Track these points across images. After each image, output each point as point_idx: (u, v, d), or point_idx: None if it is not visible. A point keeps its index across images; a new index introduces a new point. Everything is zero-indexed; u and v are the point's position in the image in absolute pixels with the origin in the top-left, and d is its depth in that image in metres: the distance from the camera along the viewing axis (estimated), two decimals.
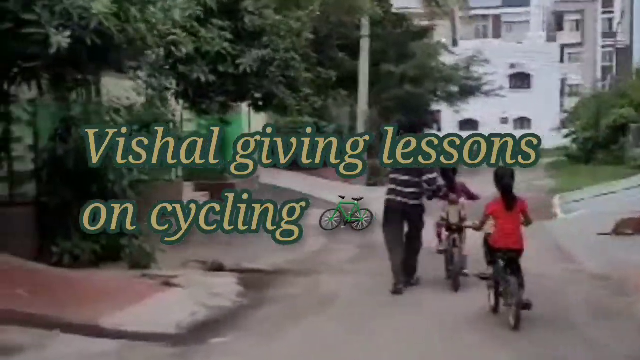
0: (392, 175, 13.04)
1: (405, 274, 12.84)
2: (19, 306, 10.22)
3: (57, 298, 10.99)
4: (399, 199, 12.84)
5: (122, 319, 10.34)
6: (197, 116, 17.94)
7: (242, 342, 9.81)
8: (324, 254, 16.94)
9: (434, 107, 52.92)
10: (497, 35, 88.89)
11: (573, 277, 13.85)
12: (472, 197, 13.58)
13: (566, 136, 52.68)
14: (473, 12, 77.23)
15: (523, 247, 10.54)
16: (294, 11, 16.88)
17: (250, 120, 25.10)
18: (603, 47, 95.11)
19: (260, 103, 17.20)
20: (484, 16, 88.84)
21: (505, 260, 10.44)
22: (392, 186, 12.97)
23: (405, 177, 12.78)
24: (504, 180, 10.55)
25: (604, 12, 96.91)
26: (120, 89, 15.06)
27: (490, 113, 71.62)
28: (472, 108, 54.74)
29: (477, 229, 11.24)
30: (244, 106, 19.60)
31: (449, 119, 64.76)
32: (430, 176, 12.74)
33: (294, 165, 30.94)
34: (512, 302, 10.11)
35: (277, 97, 16.29)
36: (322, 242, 18.35)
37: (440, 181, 13.06)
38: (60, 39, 10.13)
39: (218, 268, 14.48)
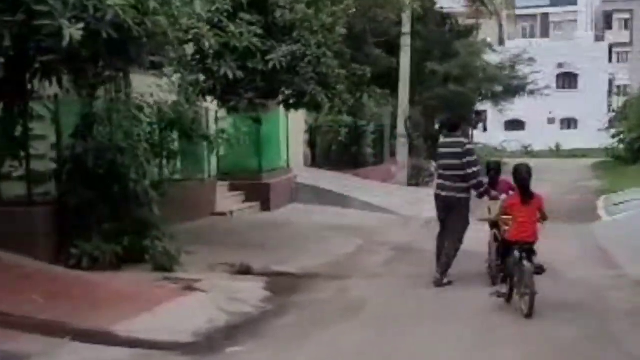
0: (438, 170, 13.67)
1: (439, 270, 12.98)
2: (33, 312, 9.84)
3: (72, 303, 10.56)
4: (443, 193, 13.05)
5: (137, 326, 9.87)
6: (228, 114, 17.43)
7: (259, 351, 9.30)
8: (357, 257, 16.30)
9: (479, 107, 52.33)
10: (544, 34, 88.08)
11: (614, 283, 13.19)
12: None
13: (613, 136, 51.76)
14: (521, 12, 76.63)
15: (537, 239, 10.87)
16: (327, 6, 16.27)
17: (288, 119, 24.60)
18: None
19: (291, 101, 16.65)
20: (532, 15, 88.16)
21: (520, 252, 10.72)
22: (439, 181, 13.37)
23: (448, 162, 12.99)
24: (520, 176, 11.04)
25: None
26: (148, 86, 14.61)
27: (536, 113, 71.04)
28: (518, 108, 54.19)
29: (493, 221, 12.34)
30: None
31: (494, 119, 64.05)
32: (470, 159, 12.78)
33: (334, 164, 30.71)
34: (526, 291, 10.51)
35: (309, 94, 15.71)
36: (357, 244, 17.72)
37: (483, 177, 13.13)
38: (74, 32, 9.70)
39: (246, 271, 13.95)
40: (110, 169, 13.03)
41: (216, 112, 18.63)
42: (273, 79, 15.51)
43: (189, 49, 15.16)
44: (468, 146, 13.00)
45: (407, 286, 13.01)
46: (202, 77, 15.26)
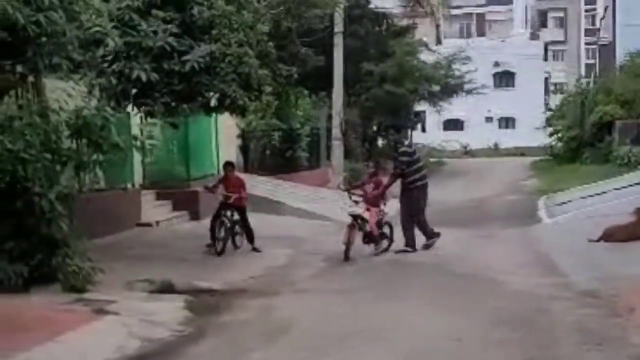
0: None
1: None
2: None
3: None
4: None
5: (36, 358, 8.86)
6: (143, 119, 16.41)
7: None
8: (286, 270, 15.43)
9: (417, 107, 52.09)
10: (481, 33, 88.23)
11: (558, 293, 12.44)
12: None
13: (551, 135, 51.82)
14: (457, 11, 76.78)
15: None
16: (249, 2, 15.38)
17: (218, 123, 23.72)
18: (586, 44, 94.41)
19: (212, 104, 15.72)
20: (468, 14, 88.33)
21: None
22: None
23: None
24: None
25: (586, 10, 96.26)
26: (51, 90, 13.54)
27: (474, 112, 71.30)
28: (456, 108, 54.10)
29: None
30: None
31: (433, 119, 63.90)
32: None
33: (267, 170, 29.89)
34: None
35: (229, 96, 14.78)
36: (287, 255, 16.87)
37: None
38: None
39: (167, 288, 13.06)
40: (12, 183, 11.89)
41: (141, 117, 17.60)
42: (191, 81, 14.61)
43: (101, 50, 14.18)
44: None
45: (337, 303, 12.22)
46: (113, 81, 14.23)
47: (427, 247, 17.16)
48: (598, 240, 16.61)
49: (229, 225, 17.08)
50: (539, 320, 10.66)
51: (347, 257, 15.90)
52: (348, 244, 16.05)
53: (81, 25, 10.76)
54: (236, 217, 17.33)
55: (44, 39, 10.06)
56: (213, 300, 12.50)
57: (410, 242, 17.02)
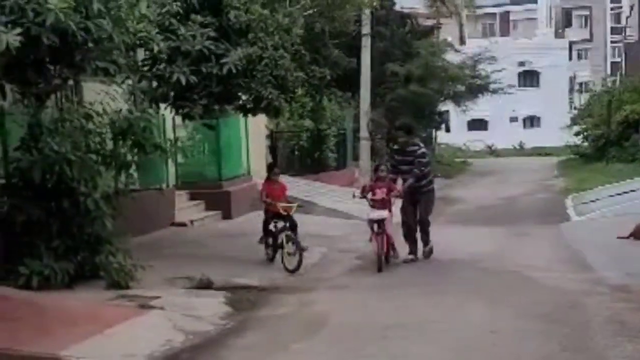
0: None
1: None
2: None
3: (19, 326, 9.90)
4: None
5: (88, 350, 9.27)
6: (182, 121, 16.82)
7: None
8: (321, 267, 15.73)
9: (442, 107, 52.17)
10: (505, 33, 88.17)
11: (591, 288, 12.69)
12: None
13: (577, 134, 51.66)
14: (481, 11, 76.72)
15: None
16: (284, 6, 15.72)
17: (248, 125, 24.06)
18: (612, 42, 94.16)
19: (248, 106, 16.05)
20: (492, 14, 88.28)
21: None
22: None
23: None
24: None
25: (612, 8, 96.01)
26: (97, 93, 13.94)
27: (499, 112, 71.09)
28: (480, 108, 54.02)
29: None
30: None
31: (457, 119, 63.91)
32: None
33: (296, 170, 30.20)
34: None
35: (266, 98, 15.14)
36: (321, 253, 17.14)
37: None
38: (11, 37, 9.04)
39: (206, 285, 13.33)
40: (59, 183, 12.30)
41: (173, 119, 18.00)
42: (228, 84, 14.94)
43: (140, 54, 14.57)
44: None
45: (374, 298, 12.49)
46: (154, 84, 14.65)
47: (413, 260, 15.82)
48: (628, 237, 16.82)
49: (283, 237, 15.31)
50: (573, 314, 10.96)
51: (380, 268, 14.69)
52: (381, 254, 14.92)
53: (127, 31, 11.14)
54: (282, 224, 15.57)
55: (91, 44, 10.41)
56: (251, 296, 12.79)
57: (415, 249, 16.05)
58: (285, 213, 15.41)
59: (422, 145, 16.37)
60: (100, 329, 10.05)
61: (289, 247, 15.04)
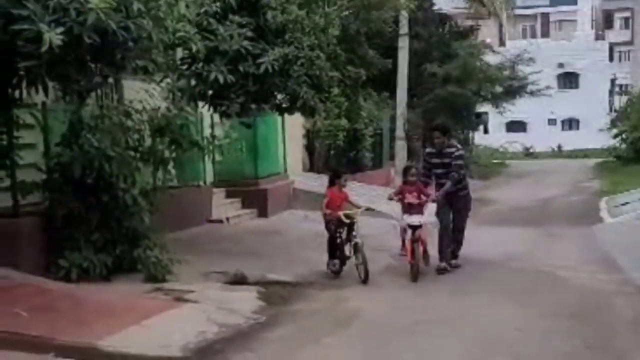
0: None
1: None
2: (15, 327, 9.56)
3: (58, 317, 10.26)
4: None
5: (125, 340, 9.54)
6: (220, 119, 17.11)
7: None
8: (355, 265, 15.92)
9: (480, 108, 52.08)
10: (545, 34, 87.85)
11: (618, 289, 12.85)
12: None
13: (615, 136, 51.42)
14: (521, 12, 76.48)
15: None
16: (320, 7, 15.96)
17: (285, 123, 24.29)
18: None
19: (284, 105, 16.31)
20: (532, 15, 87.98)
21: None
22: None
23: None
24: None
25: None
26: (136, 92, 14.28)
27: (537, 114, 70.95)
28: (519, 109, 53.87)
29: None
30: None
31: (496, 120, 63.82)
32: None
33: (331, 169, 30.32)
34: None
35: (301, 98, 15.38)
36: None
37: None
38: (53, 36, 9.35)
39: (240, 280, 13.55)
40: (99, 178, 12.67)
41: (211, 116, 18.28)
42: (265, 83, 15.20)
43: (179, 53, 14.87)
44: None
45: (405, 296, 12.72)
46: (192, 82, 14.96)
47: (446, 269, 14.77)
48: None
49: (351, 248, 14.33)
50: (599, 313, 11.16)
51: (416, 278, 13.78)
52: (417, 263, 13.99)
53: (166, 30, 11.42)
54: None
55: (131, 43, 10.69)
56: (284, 292, 12.98)
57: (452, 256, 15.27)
58: (347, 221, 14.16)
59: (459, 146, 15.71)
60: (136, 321, 10.33)
61: (358, 259, 13.99)
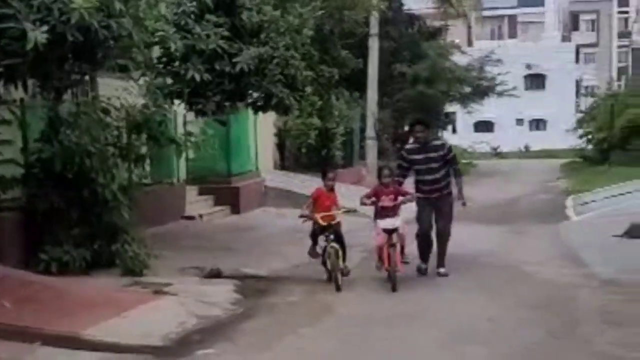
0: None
1: None
2: (1, 317, 9.79)
3: (42, 308, 10.48)
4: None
5: (107, 330, 9.81)
6: (195, 117, 17.37)
7: (229, 354, 9.30)
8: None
9: (448, 108, 52.51)
10: (512, 35, 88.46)
11: (583, 282, 13.25)
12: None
13: (581, 137, 52.00)
14: (489, 13, 77.02)
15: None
16: (295, 7, 16.26)
17: (257, 122, 24.55)
18: (618, 47, 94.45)
19: (259, 103, 16.59)
20: (499, 17, 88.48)
21: None
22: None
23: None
24: None
25: (619, 12, 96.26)
26: (114, 89, 14.52)
27: (505, 114, 71.37)
28: (487, 109, 54.37)
29: None
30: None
31: (464, 120, 64.32)
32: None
33: (303, 167, 30.65)
34: None
35: (276, 96, 15.69)
36: None
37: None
38: (38, 35, 9.63)
39: (216, 274, 13.84)
40: (79, 173, 12.90)
41: (184, 115, 18.53)
42: (240, 82, 15.49)
43: (156, 51, 15.12)
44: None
45: (379, 289, 12.94)
46: (169, 80, 15.23)
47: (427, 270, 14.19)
48: (622, 236, 17.25)
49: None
50: (565, 305, 11.57)
51: (395, 287, 12.59)
52: (392, 269, 12.76)
53: (145, 29, 11.70)
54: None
55: (112, 42, 10.96)
56: (260, 285, 13.27)
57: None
58: (324, 223, 13.22)
59: (444, 139, 15.34)
60: (117, 312, 10.58)
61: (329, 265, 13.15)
